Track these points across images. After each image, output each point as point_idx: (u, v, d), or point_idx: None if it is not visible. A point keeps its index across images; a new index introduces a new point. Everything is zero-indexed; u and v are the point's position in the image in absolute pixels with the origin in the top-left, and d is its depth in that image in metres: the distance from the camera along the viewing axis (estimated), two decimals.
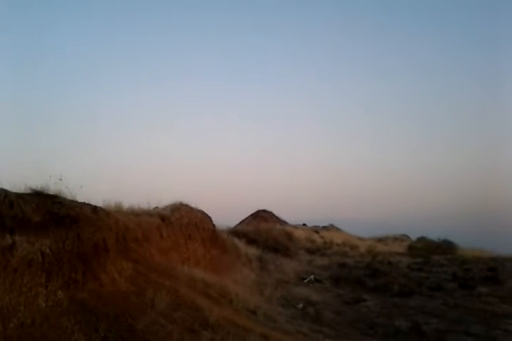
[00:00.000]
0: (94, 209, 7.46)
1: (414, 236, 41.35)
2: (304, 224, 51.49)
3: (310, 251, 30.50)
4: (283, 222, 45.56)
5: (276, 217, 48.31)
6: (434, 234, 31.84)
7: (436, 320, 11.65)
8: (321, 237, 42.09)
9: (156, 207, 13.60)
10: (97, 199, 8.38)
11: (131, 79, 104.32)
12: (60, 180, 7.73)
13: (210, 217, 16.99)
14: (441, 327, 10.97)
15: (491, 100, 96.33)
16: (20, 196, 5.66)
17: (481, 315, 12.05)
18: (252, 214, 48.43)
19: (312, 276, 18.48)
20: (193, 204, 15.55)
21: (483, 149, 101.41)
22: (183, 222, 13.98)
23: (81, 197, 7.59)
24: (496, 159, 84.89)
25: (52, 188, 6.79)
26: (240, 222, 41.98)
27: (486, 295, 14.54)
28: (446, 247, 28.57)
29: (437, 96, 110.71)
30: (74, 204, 6.73)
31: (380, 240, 43.21)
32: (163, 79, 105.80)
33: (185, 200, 15.11)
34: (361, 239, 43.47)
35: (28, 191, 6.14)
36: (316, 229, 48.20)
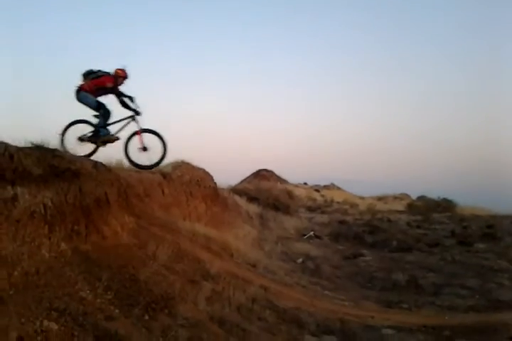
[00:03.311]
0: (95, 164, 7.42)
1: (414, 195, 41.87)
2: (305, 183, 51.95)
3: (310, 209, 30.92)
4: (284, 181, 45.89)
5: (277, 176, 48.62)
6: (435, 193, 32.11)
7: (433, 274, 11.92)
8: (322, 196, 42.66)
9: None
10: (98, 155, 8.31)
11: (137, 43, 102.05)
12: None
13: (211, 175, 17.00)
14: (438, 280, 11.25)
15: (496, 61, 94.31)
16: (20, 149, 5.61)
17: (477, 270, 12.32)
18: (253, 173, 48.69)
19: (312, 232, 18.76)
20: (194, 163, 15.53)
21: (484, 108, 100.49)
22: (185, 180, 14.00)
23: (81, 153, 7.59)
24: (496, 118, 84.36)
25: (53, 143, 6.75)
26: (241, 181, 42.18)
27: (483, 252, 14.82)
28: (445, 205, 28.84)
29: (442, 54, 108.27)
30: (74, 159, 6.69)
31: (380, 199, 43.80)
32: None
33: (187, 158, 15.08)
34: (361, 198, 44.05)
35: (29, 145, 6.08)
36: (316, 188, 48.71)
